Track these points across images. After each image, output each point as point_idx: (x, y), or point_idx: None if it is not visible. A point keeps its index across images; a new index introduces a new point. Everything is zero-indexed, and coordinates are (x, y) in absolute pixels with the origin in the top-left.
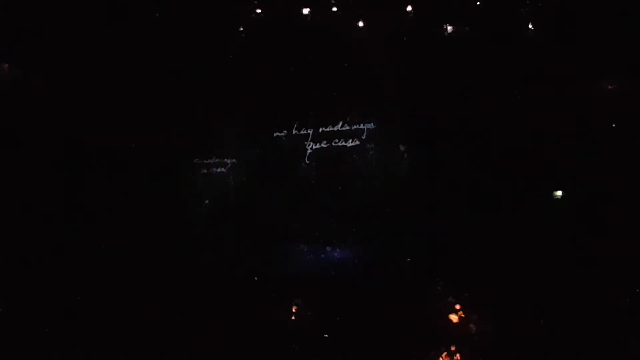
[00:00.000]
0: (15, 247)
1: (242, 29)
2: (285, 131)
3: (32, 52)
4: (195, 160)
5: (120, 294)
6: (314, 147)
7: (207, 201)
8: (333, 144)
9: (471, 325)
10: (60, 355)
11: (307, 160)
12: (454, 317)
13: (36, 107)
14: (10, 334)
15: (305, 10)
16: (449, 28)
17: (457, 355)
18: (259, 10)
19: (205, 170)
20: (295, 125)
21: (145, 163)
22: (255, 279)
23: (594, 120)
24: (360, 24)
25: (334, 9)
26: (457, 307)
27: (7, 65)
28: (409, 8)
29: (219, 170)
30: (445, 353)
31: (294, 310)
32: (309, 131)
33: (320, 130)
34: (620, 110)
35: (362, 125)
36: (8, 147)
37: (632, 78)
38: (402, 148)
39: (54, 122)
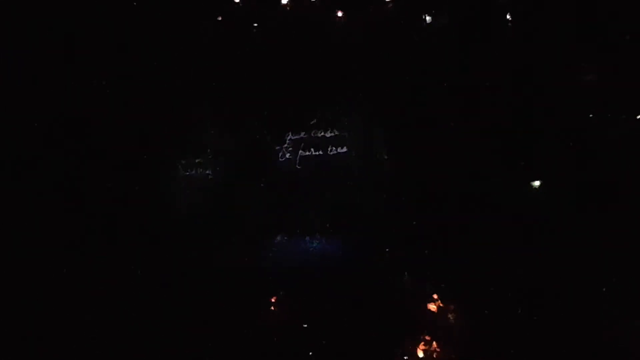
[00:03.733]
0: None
1: (220, 18)
2: (264, 124)
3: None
4: (177, 158)
5: (108, 288)
6: (292, 137)
7: (190, 197)
8: (312, 134)
9: (449, 315)
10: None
11: (287, 151)
12: (432, 307)
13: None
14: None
15: (284, 0)
16: (428, 18)
17: (434, 344)
18: (237, 0)
19: (184, 162)
20: (273, 120)
21: (133, 162)
22: (234, 268)
23: (574, 115)
24: (339, 14)
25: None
26: (435, 297)
27: None
28: None
29: (198, 162)
30: (422, 343)
31: (273, 301)
32: (288, 124)
33: (299, 122)
34: (600, 104)
35: (341, 119)
36: None
37: (612, 73)
38: (382, 142)
39: (36, 122)
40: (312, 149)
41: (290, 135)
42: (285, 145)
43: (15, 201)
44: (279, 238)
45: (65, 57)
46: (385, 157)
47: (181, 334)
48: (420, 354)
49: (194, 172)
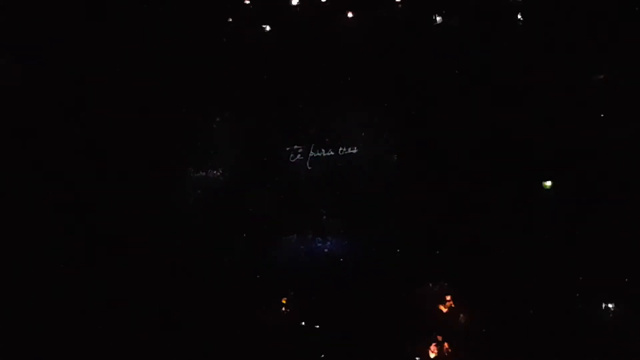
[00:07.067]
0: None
1: (230, 19)
2: (275, 126)
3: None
4: (189, 159)
5: (119, 289)
6: (303, 138)
7: (201, 197)
8: (323, 135)
9: (460, 316)
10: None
11: (298, 152)
12: (443, 308)
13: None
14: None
15: (294, 1)
16: (438, 19)
17: (445, 345)
18: (247, 1)
19: (195, 163)
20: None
21: (145, 165)
22: (244, 268)
23: (582, 115)
24: (350, 14)
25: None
26: (447, 298)
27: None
28: None
29: (209, 163)
30: (434, 343)
31: (284, 302)
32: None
33: (310, 123)
34: (609, 105)
35: (351, 119)
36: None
37: (621, 73)
38: (392, 143)
39: (55, 127)
40: (322, 150)
41: (301, 136)
42: (296, 146)
43: (35, 208)
44: (289, 238)
45: (82, 65)
46: (396, 157)
47: (191, 333)
48: (432, 355)
49: (204, 173)
